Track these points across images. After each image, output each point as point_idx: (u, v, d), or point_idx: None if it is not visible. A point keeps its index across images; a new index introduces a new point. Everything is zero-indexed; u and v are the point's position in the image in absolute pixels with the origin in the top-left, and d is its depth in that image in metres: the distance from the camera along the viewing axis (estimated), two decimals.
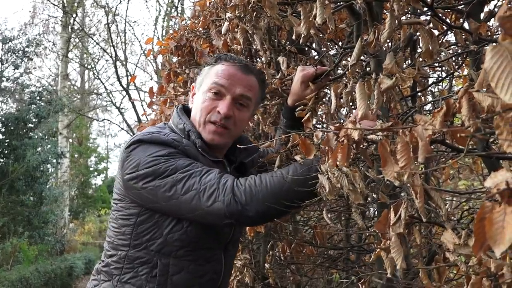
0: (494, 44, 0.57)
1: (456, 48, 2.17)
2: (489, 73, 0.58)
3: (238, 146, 1.68)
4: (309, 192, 1.39)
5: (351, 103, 1.18)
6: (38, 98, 11.94)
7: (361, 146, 1.08)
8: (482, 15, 1.58)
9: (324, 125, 2.18)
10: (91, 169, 25.15)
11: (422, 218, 0.99)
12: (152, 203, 1.52)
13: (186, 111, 1.76)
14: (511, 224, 0.60)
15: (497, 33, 1.79)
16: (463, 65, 2.07)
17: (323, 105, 2.04)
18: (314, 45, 2.26)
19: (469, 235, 0.93)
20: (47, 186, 12.02)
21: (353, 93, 1.13)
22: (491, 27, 1.69)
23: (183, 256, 1.56)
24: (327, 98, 2.12)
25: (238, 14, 1.73)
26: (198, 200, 1.43)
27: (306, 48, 2.22)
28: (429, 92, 2.20)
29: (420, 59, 1.25)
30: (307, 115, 1.27)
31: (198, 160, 1.56)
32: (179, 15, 16.86)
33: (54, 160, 12.61)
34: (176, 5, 18.21)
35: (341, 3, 1.57)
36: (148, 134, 1.58)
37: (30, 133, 11.59)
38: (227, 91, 1.65)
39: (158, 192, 1.47)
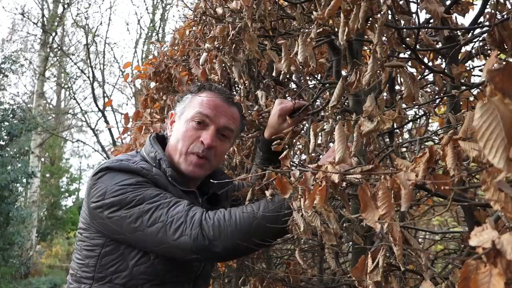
0: (483, 101, 0.55)
1: (433, 86, 2.19)
2: (478, 132, 0.55)
3: (212, 178, 1.64)
4: (279, 230, 1.36)
5: (330, 143, 1.15)
6: (11, 115, 11.70)
7: (339, 188, 1.05)
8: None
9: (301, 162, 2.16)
10: (62, 189, 24.60)
11: (400, 266, 0.95)
12: (117, 234, 1.46)
13: (159, 139, 1.73)
14: (498, 287, 0.57)
15: (474, 75, 1.81)
16: (440, 104, 2.09)
17: (301, 139, 2.02)
18: (293, 77, 2.25)
19: (449, 286, 0.90)
20: (15, 206, 11.66)
21: (333, 133, 1.10)
22: (468, 68, 1.71)
23: None
24: (304, 131, 2.10)
25: (217, 46, 1.71)
26: (164, 233, 1.38)
27: (285, 81, 2.21)
28: (407, 131, 2.20)
29: (401, 101, 1.23)
30: (285, 152, 1.24)
31: (167, 190, 1.52)
32: (159, 40, 16.91)
33: (24, 180, 12.29)
34: (157, 29, 18.28)
35: (322, 38, 1.56)
36: (116, 162, 1.53)
37: (1, 151, 11.31)
38: (211, 122, 1.63)
39: (124, 223, 1.42)
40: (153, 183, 1.51)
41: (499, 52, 0.84)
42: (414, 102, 1.07)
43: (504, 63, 0.59)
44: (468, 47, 1.73)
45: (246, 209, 1.43)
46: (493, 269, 0.59)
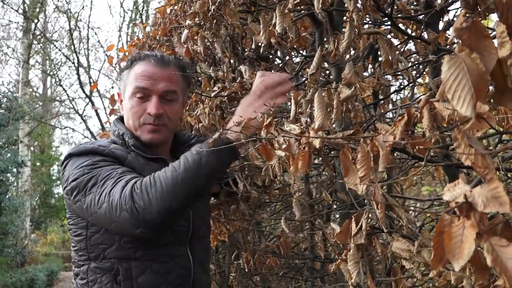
0: (450, 55, 0.57)
1: (417, 56, 2.20)
2: (446, 84, 0.57)
3: (182, 142, 1.75)
4: (207, 178, 1.44)
5: (310, 111, 1.17)
6: None
7: (322, 152, 1.07)
8: (441, 24, 1.60)
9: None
10: (53, 177, 24.48)
11: (383, 229, 0.98)
12: (85, 217, 1.55)
13: (122, 120, 1.76)
14: (470, 238, 0.59)
15: (455, 42, 1.82)
16: (424, 73, 2.10)
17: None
18: (278, 53, 2.25)
19: (422, 246, 0.93)
20: (7, 196, 11.62)
21: (313, 101, 1.12)
22: (449, 37, 1.72)
23: (143, 257, 1.54)
24: (288, 104, 2.11)
25: (198, 22, 1.70)
26: (109, 212, 1.43)
27: (270, 56, 2.21)
28: (390, 100, 2.22)
29: (381, 68, 1.25)
30: (269, 119, 1.27)
31: (126, 160, 1.58)
32: (143, 22, 16.70)
33: (15, 169, 12.22)
34: (140, 12, 18.05)
35: (303, 11, 1.57)
36: (76, 147, 1.62)
37: None
38: (151, 92, 1.64)
39: (83, 207, 1.50)
40: (111, 157, 1.57)
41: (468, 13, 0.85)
42: (392, 68, 1.08)
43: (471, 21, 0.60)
44: (450, 16, 1.74)
45: (168, 168, 1.47)
46: (466, 221, 0.61)
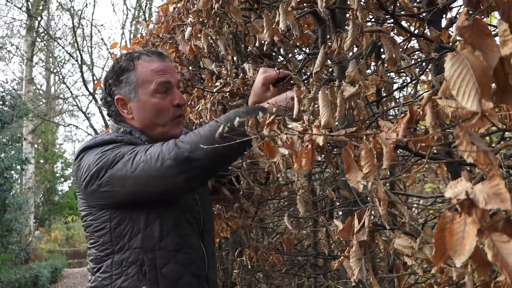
0: (453, 52, 0.57)
1: (421, 54, 2.20)
2: (450, 81, 0.57)
3: None
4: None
5: (312, 109, 1.17)
6: (1, 103, 11.60)
7: (325, 150, 1.08)
8: (444, 22, 1.60)
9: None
10: (57, 175, 24.57)
11: (385, 226, 0.98)
12: (113, 197, 1.53)
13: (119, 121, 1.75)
14: (471, 234, 0.59)
15: (457, 40, 1.82)
16: (427, 70, 2.10)
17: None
18: (281, 50, 2.25)
19: (424, 243, 0.93)
20: (11, 193, 11.65)
21: (316, 99, 1.12)
22: (452, 34, 1.72)
23: (167, 247, 1.57)
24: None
25: (201, 20, 1.71)
26: (149, 168, 1.45)
27: (273, 54, 2.21)
28: (393, 98, 2.22)
29: (384, 66, 1.25)
30: (272, 117, 1.27)
31: None
32: (147, 19, 16.70)
33: (18, 167, 12.26)
34: (143, 9, 18.06)
35: (306, 9, 1.57)
36: (91, 140, 1.64)
37: None
38: (172, 84, 1.68)
39: (113, 180, 1.49)
40: (129, 144, 1.59)
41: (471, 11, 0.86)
42: (396, 66, 1.09)
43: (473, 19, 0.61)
44: (453, 14, 1.74)
45: (204, 126, 1.52)
46: (467, 218, 0.61)
